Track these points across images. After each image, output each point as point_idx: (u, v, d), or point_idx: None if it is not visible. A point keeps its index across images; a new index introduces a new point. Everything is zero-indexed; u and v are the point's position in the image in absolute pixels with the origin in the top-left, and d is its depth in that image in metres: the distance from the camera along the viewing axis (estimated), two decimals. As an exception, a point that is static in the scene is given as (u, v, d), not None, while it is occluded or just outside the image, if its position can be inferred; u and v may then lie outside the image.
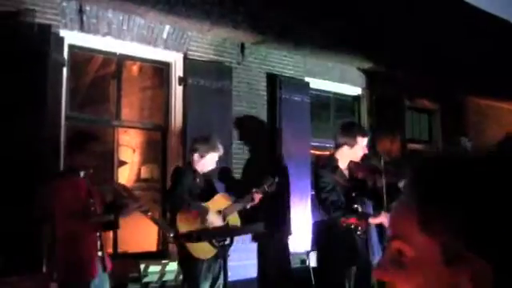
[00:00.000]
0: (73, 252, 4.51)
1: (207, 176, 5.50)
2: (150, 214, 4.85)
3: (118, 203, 4.76)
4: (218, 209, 5.29)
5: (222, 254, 4.72)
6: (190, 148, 5.63)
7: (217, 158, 5.38)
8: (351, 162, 5.40)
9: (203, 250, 5.05)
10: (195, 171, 5.33)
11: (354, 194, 5.26)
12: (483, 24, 11.67)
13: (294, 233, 7.83)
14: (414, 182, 0.87)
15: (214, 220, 5.18)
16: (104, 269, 4.72)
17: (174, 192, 5.27)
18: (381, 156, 5.41)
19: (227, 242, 4.87)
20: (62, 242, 4.57)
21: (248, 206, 5.46)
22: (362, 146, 5.39)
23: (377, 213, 5.17)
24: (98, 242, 4.69)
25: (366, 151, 5.46)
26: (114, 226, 4.81)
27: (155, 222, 5.13)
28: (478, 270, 0.77)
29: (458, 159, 0.87)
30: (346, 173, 5.40)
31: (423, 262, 0.81)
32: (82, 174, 4.68)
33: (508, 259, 0.76)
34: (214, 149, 5.31)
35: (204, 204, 5.21)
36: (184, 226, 5.07)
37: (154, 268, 6.71)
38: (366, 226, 5.19)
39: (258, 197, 5.42)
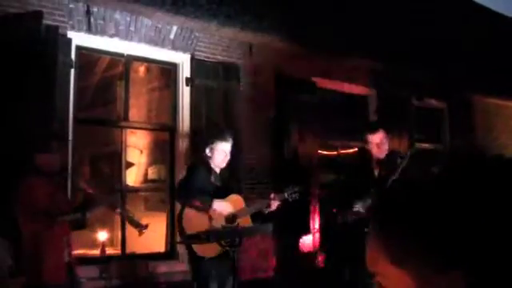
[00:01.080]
0: (36, 254, 4.36)
1: (223, 175, 5.38)
2: (118, 210, 4.76)
3: (86, 202, 4.65)
4: (231, 209, 5.19)
5: (232, 255, 4.70)
6: (204, 144, 5.46)
7: (226, 149, 5.17)
8: (376, 159, 5.44)
9: (207, 247, 4.99)
10: (210, 169, 5.21)
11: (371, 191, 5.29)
12: (492, 24, 11.63)
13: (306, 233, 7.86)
14: (376, 223, 0.91)
15: (221, 207, 5.04)
16: (72, 277, 4.59)
17: (183, 186, 5.19)
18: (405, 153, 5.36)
19: (236, 242, 4.85)
20: (26, 243, 4.41)
21: (266, 212, 5.32)
22: (372, 142, 5.38)
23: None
24: (66, 248, 4.55)
25: (382, 147, 5.39)
26: (82, 225, 4.63)
27: (124, 217, 5.01)
28: None
29: (410, 195, 0.89)
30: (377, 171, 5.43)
31: None
32: (47, 175, 4.55)
33: (477, 276, 0.79)
34: (222, 138, 5.14)
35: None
36: (189, 225, 5.03)
37: (162, 269, 6.72)
38: (348, 220, 5.19)
39: (275, 203, 5.25)
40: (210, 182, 5.17)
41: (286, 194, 5.33)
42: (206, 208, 4.98)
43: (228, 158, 5.22)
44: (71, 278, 4.59)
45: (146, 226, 4.88)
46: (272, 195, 5.24)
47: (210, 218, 5.04)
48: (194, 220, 4.99)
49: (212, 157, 5.17)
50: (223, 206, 5.08)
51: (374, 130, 5.45)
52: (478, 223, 0.81)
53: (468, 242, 0.80)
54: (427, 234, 0.82)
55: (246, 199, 5.32)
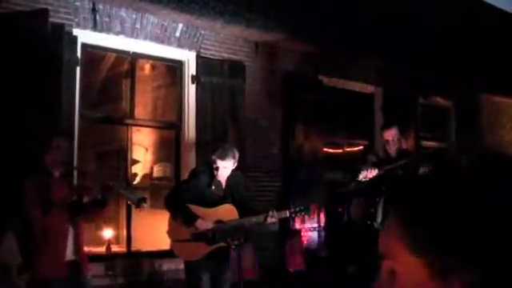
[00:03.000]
0: (40, 250, 4.39)
1: (232, 183, 5.23)
2: (111, 183, 4.68)
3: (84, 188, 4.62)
4: (221, 219, 5.05)
5: (237, 252, 4.69)
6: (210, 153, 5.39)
7: (225, 166, 5.05)
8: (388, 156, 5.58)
9: (191, 251, 4.97)
10: (214, 178, 5.11)
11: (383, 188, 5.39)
12: (497, 21, 11.58)
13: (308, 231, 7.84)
14: (396, 209, 0.94)
15: (203, 227, 4.95)
16: (77, 272, 4.56)
17: (174, 195, 5.15)
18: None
19: (242, 239, 4.84)
20: (36, 239, 4.44)
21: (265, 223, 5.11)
22: (384, 138, 5.57)
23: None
24: (70, 243, 4.51)
25: (392, 144, 5.46)
26: (79, 209, 4.54)
27: (120, 192, 4.90)
28: (465, 282, 0.83)
29: (431, 185, 0.94)
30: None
31: (412, 279, 0.88)
32: (56, 173, 4.55)
33: (491, 268, 0.82)
34: (220, 157, 5.03)
35: (200, 211, 5.00)
36: (174, 233, 5.03)
37: (168, 266, 6.72)
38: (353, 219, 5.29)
39: (271, 220, 5.05)
40: (209, 190, 5.09)
41: (287, 212, 5.18)
42: (188, 227, 4.93)
43: (228, 171, 5.11)
44: (76, 274, 4.55)
45: (144, 201, 4.73)
46: (271, 212, 5.02)
47: (196, 227, 4.97)
48: (179, 228, 4.97)
49: (215, 168, 5.09)
50: (206, 226, 4.98)
51: (388, 127, 5.60)
52: (500, 225, 0.84)
53: (488, 242, 0.83)
54: (449, 230, 0.85)
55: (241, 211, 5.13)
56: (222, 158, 5.05)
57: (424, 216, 0.88)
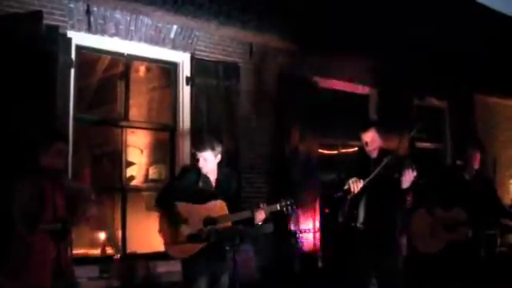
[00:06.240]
0: (22, 256, 4.22)
1: (224, 181, 5.13)
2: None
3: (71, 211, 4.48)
4: (210, 215, 4.87)
5: (231, 254, 4.67)
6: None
7: (203, 156, 4.93)
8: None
9: (182, 249, 4.90)
10: (200, 174, 5.03)
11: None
12: (491, 22, 11.62)
13: (303, 232, 7.86)
14: None
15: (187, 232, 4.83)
16: (62, 278, 4.37)
17: (163, 192, 5.07)
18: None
19: (236, 241, 4.81)
20: (15, 244, 4.25)
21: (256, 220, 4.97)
22: (363, 140, 5.40)
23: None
24: (54, 249, 4.33)
25: (372, 145, 5.35)
26: (61, 236, 4.34)
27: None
28: None
29: None
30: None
31: None
32: (48, 176, 4.40)
33: None
34: (196, 148, 5.00)
35: (188, 208, 4.85)
36: (167, 235, 4.93)
37: (163, 268, 6.71)
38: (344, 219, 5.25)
39: (261, 215, 4.94)
40: (198, 187, 5.01)
41: (278, 206, 5.08)
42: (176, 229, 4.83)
43: (207, 164, 4.99)
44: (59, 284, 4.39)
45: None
46: (261, 205, 4.98)
47: (187, 223, 4.82)
48: (170, 229, 4.88)
49: (196, 161, 5.02)
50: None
51: (365, 129, 5.43)
52: None
53: None
54: None
55: (232, 207, 5.02)
56: (200, 149, 4.99)
57: None
